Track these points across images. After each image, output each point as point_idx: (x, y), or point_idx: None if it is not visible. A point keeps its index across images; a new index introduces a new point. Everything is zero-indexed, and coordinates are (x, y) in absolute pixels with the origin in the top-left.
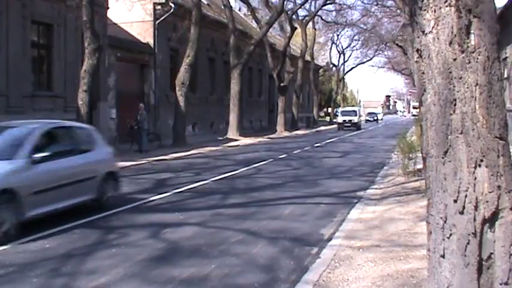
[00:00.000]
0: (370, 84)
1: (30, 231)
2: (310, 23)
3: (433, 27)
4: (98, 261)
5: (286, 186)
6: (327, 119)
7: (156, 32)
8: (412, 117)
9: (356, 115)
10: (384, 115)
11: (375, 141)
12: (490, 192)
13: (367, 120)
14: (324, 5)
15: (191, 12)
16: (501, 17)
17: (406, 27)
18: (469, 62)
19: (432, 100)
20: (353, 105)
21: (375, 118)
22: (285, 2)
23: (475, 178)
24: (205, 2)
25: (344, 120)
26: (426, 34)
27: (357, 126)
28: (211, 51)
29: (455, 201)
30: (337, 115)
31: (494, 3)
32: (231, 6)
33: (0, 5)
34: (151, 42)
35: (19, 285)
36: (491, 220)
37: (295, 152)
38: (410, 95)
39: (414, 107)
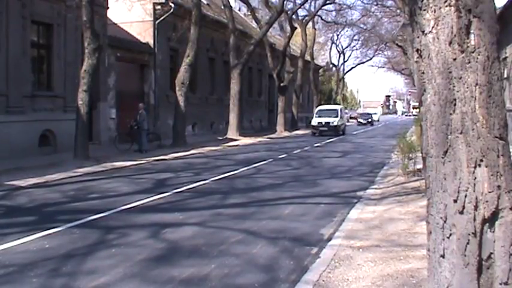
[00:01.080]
0: (370, 84)
1: (31, 231)
2: (310, 23)
3: (433, 27)
4: (98, 261)
5: (286, 186)
6: None
7: (156, 32)
8: (413, 117)
9: (337, 116)
10: (383, 115)
11: (374, 141)
12: (489, 192)
13: (359, 123)
14: (324, 4)
15: (191, 12)
16: (501, 17)
17: (406, 27)
18: (469, 62)
19: (432, 100)
20: (350, 104)
21: (369, 120)
22: (285, 2)
23: (475, 178)
24: (205, 2)
25: (320, 123)
26: (426, 34)
27: (336, 130)
28: (211, 51)
29: (455, 201)
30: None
31: (494, 3)
32: (231, 6)
33: (0, 5)
34: (151, 42)
35: (19, 285)
36: (491, 220)
37: (295, 151)
38: (410, 94)
39: (414, 107)
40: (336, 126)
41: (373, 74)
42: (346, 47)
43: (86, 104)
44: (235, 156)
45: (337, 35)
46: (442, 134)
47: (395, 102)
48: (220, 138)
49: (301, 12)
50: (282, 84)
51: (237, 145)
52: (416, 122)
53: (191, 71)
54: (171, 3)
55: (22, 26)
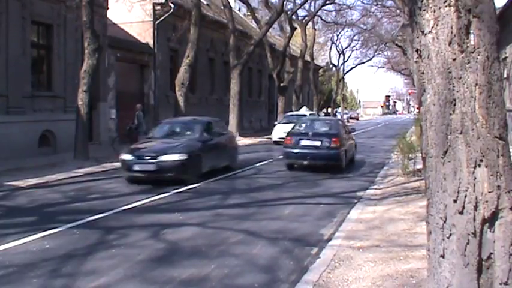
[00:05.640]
0: (370, 85)
1: (31, 231)
2: (310, 23)
3: (432, 27)
4: (98, 261)
5: (286, 186)
6: None
7: (156, 33)
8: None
9: None
10: (382, 115)
11: (374, 141)
12: (489, 192)
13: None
14: (324, 5)
15: (191, 12)
16: (501, 17)
17: (406, 27)
18: (469, 62)
19: (432, 100)
20: (350, 104)
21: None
22: (285, 2)
23: (475, 178)
24: (205, 2)
25: None
26: (426, 34)
27: None
28: (211, 52)
29: (455, 201)
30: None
31: (494, 3)
32: (231, 7)
33: (0, 5)
34: (151, 42)
35: (19, 286)
36: (491, 220)
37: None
38: (410, 94)
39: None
40: None
41: (373, 74)
42: (346, 47)
43: (86, 104)
44: None
45: (337, 35)
46: (442, 134)
47: (395, 102)
48: None
49: (301, 13)
50: (281, 85)
51: None
52: (417, 122)
53: (191, 71)
54: (170, 4)
55: (22, 27)
